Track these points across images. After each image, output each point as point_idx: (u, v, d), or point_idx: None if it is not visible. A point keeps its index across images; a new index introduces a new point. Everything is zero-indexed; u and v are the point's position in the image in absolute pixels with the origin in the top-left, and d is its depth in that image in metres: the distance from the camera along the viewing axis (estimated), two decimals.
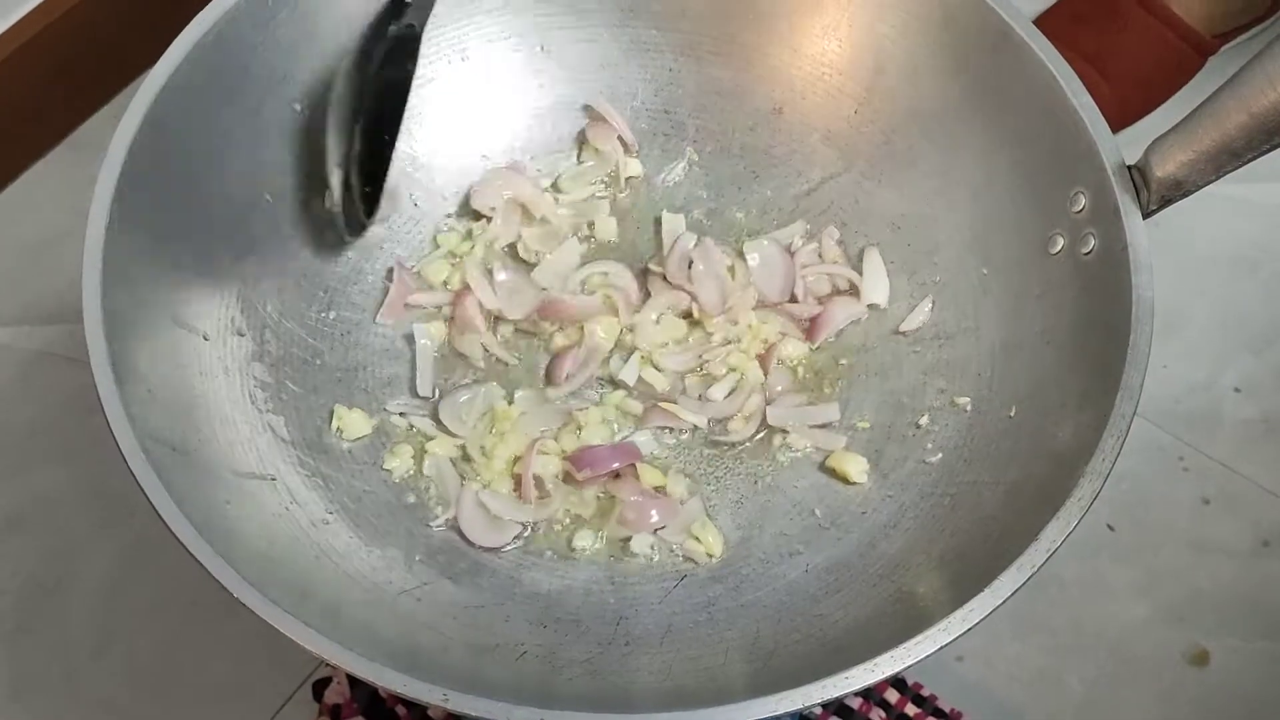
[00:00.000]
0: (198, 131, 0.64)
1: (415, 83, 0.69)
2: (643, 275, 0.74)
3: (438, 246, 0.74)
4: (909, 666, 0.51)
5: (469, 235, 0.74)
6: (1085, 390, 0.59)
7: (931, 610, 0.53)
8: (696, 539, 0.66)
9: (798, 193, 0.76)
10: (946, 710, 0.72)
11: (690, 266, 0.72)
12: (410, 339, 0.71)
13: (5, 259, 0.87)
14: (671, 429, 0.70)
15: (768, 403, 0.70)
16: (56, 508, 0.78)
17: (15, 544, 0.77)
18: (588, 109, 0.77)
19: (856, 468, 0.67)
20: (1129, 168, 0.61)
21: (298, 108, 0.69)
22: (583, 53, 0.75)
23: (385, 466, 0.67)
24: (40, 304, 0.85)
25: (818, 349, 0.72)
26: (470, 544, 0.65)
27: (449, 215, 0.75)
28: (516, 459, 0.68)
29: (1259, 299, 0.87)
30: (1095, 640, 0.75)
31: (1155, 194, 0.60)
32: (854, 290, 0.73)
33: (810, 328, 0.72)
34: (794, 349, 0.72)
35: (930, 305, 0.71)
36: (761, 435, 0.70)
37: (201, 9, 0.64)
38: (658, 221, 0.75)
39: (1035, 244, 0.65)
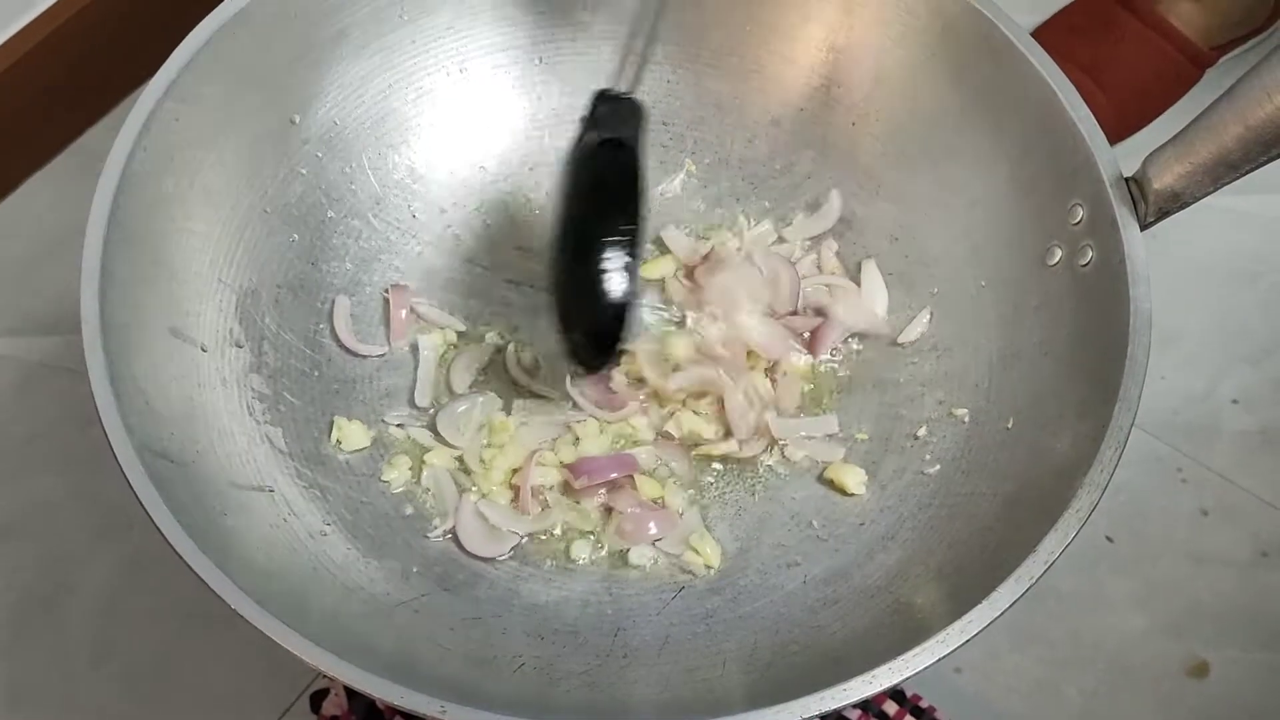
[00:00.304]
0: (196, 142, 0.64)
1: (414, 94, 0.69)
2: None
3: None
4: (907, 678, 0.51)
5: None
6: (1083, 401, 0.59)
7: (930, 622, 0.53)
8: (694, 550, 0.66)
9: (796, 204, 0.76)
10: None
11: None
12: (415, 348, 0.72)
13: (4, 269, 0.87)
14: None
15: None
16: (54, 518, 0.78)
17: (13, 553, 0.77)
18: None
19: (854, 479, 0.67)
20: (1127, 180, 0.61)
21: (295, 119, 0.69)
22: (580, 65, 0.75)
23: (383, 478, 0.67)
24: (39, 315, 0.85)
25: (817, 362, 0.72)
26: (468, 554, 0.65)
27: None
28: (515, 470, 0.68)
29: (1257, 310, 0.87)
30: (1094, 652, 0.75)
31: (1153, 206, 0.60)
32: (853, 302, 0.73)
33: (811, 341, 0.72)
34: (796, 363, 0.72)
35: (928, 317, 0.71)
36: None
37: (201, 19, 0.64)
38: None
39: (1033, 255, 0.65)
